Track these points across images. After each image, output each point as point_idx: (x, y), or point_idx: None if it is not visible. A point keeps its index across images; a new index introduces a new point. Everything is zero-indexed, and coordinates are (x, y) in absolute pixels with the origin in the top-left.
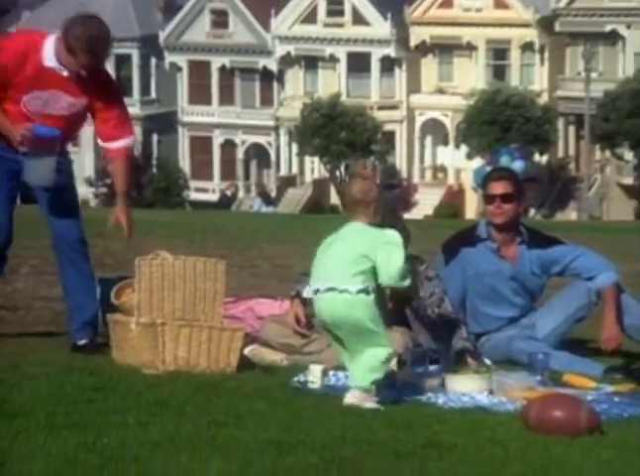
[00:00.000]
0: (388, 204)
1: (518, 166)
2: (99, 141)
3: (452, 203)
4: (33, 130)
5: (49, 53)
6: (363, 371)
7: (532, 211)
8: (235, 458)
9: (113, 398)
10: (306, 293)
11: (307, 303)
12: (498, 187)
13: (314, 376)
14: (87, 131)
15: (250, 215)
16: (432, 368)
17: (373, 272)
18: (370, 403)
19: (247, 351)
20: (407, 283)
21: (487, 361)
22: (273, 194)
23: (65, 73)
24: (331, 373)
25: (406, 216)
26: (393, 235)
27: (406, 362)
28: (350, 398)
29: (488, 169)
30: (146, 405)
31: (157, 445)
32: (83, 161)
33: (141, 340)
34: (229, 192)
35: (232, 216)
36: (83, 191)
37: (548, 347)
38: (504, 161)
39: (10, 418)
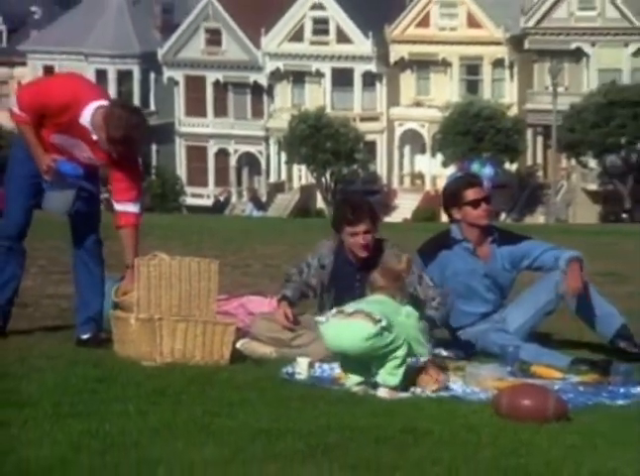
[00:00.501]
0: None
1: (487, 172)
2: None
3: (429, 208)
4: (58, 165)
5: (87, 115)
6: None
7: (503, 215)
8: (227, 445)
9: (115, 388)
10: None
11: (294, 304)
12: (479, 192)
13: (301, 368)
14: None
15: (242, 219)
16: (410, 359)
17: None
18: (399, 395)
19: (239, 344)
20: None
21: (462, 353)
22: (264, 199)
23: (95, 137)
24: (317, 365)
25: (387, 220)
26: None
27: None
28: (382, 392)
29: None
30: (145, 394)
31: (155, 432)
32: None
33: (140, 334)
34: (222, 198)
35: (225, 220)
36: None
37: (518, 340)
38: (475, 168)
39: (19, 408)
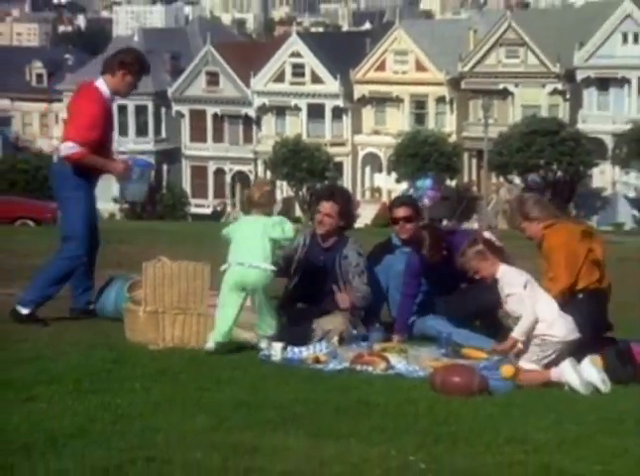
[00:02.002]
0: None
1: (427, 184)
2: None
3: (384, 215)
4: (133, 162)
5: (103, 88)
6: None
7: (445, 222)
8: (215, 415)
9: (125, 368)
10: None
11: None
12: (401, 212)
13: (275, 351)
14: None
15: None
16: (363, 343)
17: None
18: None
19: None
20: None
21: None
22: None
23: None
24: (289, 348)
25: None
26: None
27: (345, 339)
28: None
29: (411, 190)
30: (149, 373)
31: (157, 405)
32: (110, 184)
33: (147, 324)
34: (219, 208)
35: (221, 226)
36: (111, 207)
37: (450, 326)
38: (419, 183)
39: (47, 384)
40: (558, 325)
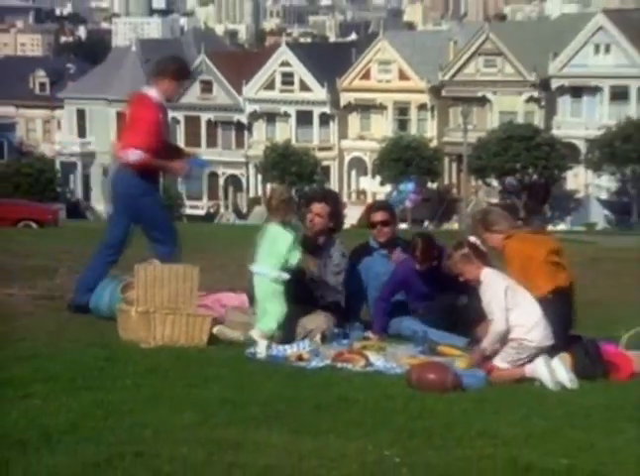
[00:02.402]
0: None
1: (410, 187)
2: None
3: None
4: (191, 163)
5: (154, 96)
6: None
7: (426, 222)
8: (202, 411)
9: (118, 365)
10: None
11: None
12: (378, 216)
13: (261, 349)
14: (113, 165)
15: (226, 226)
16: (344, 341)
17: None
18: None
19: (214, 330)
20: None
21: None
22: (245, 211)
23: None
24: (274, 346)
25: None
26: None
27: (327, 337)
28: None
29: (394, 193)
30: (140, 371)
31: (146, 401)
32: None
33: (139, 323)
34: (212, 210)
35: (213, 227)
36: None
37: (425, 326)
38: (402, 186)
39: (44, 382)
40: (535, 332)
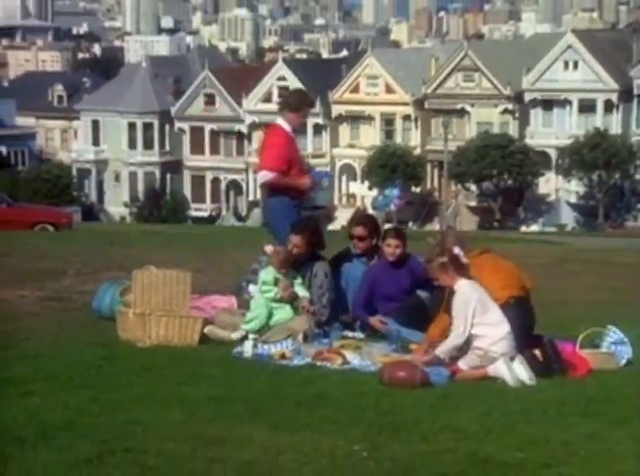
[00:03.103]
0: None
1: (395, 193)
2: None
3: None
4: (314, 176)
5: (284, 125)
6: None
7: (410, 223)
8: (190, 408)
9: (115, 364)
10: None
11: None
12: (357, 231)
13: (247, 348)
14: (124, 171)
15: (227, 228)
16: (325, 340)
17: None
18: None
19: (206, 330)
20: None
21: (360, 335)
22: (244, 213)
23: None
24: (259, 345)
25: (330, 227)
26: None
27: (309, 338)
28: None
29: (380, 197)
30: (135, 369)
31: (139, 399)
32: (122, 191)
33: (135, 324)
34: (214, 213)
35: (215, 229)
36: (122, 211)
37: (397, 325)
38: (387, 191)
39: (44, 380)
40: (501, 344)
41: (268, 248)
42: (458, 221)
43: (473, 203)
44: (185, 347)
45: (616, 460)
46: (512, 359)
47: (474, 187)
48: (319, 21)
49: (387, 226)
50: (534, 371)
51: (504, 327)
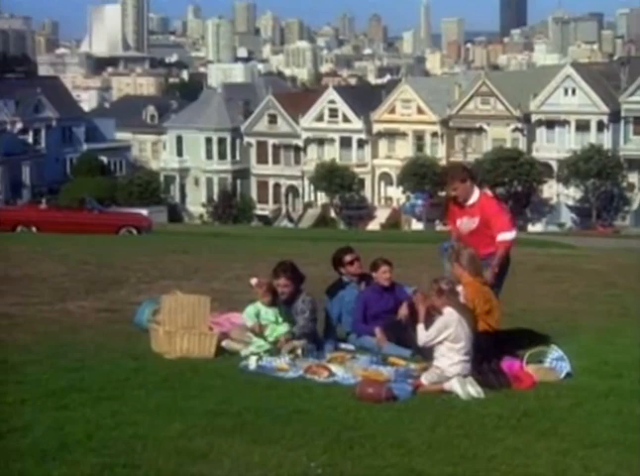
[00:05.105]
0: None
1: (419, 201)
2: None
3: (394, 217)
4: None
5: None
6: None
7: (437, 222)
8: (187, 422)
9: (140, 376)
10: None
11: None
12: (351, 256)
13: (251, 362)
14: (202, 177)
15: (278, 228)
16: (319, 354)
17: None
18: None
19: (223, 343)
20: None
21: (351, 347)
22: (297, 216)
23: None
24: (263, 358)
25: (370, 226)
26: None
27: (305, 351)
28: None
29: (407, 204)
30: (156, 381)
31: (150, 412)
32: (201, 193)
33: (164, 339)
34: (273, 215)
35: (273, 230)
36: (200, 210)
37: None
38: (412, 200)
39: (79, 392)
40: (457, 367)
41: (254, 280)
42: None
43: None
44: (202, 360)
45: (531, 475)
46: (465, 376)
47: (489, 192)
48: (367, 51)
49: (419, 226)
50: (485, 384)
51: (466, 354)
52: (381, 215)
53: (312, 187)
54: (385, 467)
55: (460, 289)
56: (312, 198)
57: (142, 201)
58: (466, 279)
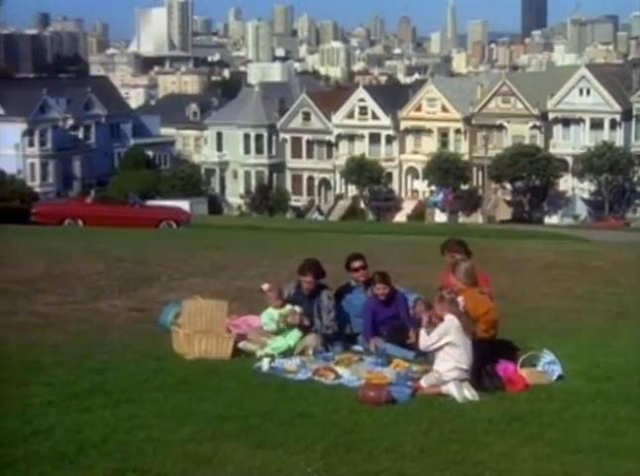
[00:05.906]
0: None
1: (440, 197)
2: None
3: (420, 208)
4: None
5: None
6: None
7: (459, 213)
8: (197, 425)
9: (160, 377)
10: None
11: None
12: (358, 263)
13: (264, 364)
14: (241, 170)
15: (308, 221)
16: (328, 354)
17: None
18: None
19: (240, 345)
20: None
21: (360, 348)
22: (331, 205)
23: None
24: (276, 360)
25: (397, 218)
26: None
27: (315, 352)
28: None
29: (430, 198)
30: (173, 384)
31: (164, 415)
32: (239, 186)
33: (184, 341)
34: (305, 207)
35: (305, 223)
36: (238, 201)
37: (389, 343)
38: (434, 195)
39: (101, 395)
40: (454, 372)
41: (265, 286)
42: (496, 212)
43: (508, 198)
44: (219, 361)
45: None
46: (463, 381)
47: (509, 186)
48: (397, 50)
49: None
50: (480, 388)
51: (465, 360)
52: (408, 207)
53: (343, 180)
54: (379, 472)
55: (460, 299)
56: (343, 191)
57: (184, 193)
58: (461, 288)
